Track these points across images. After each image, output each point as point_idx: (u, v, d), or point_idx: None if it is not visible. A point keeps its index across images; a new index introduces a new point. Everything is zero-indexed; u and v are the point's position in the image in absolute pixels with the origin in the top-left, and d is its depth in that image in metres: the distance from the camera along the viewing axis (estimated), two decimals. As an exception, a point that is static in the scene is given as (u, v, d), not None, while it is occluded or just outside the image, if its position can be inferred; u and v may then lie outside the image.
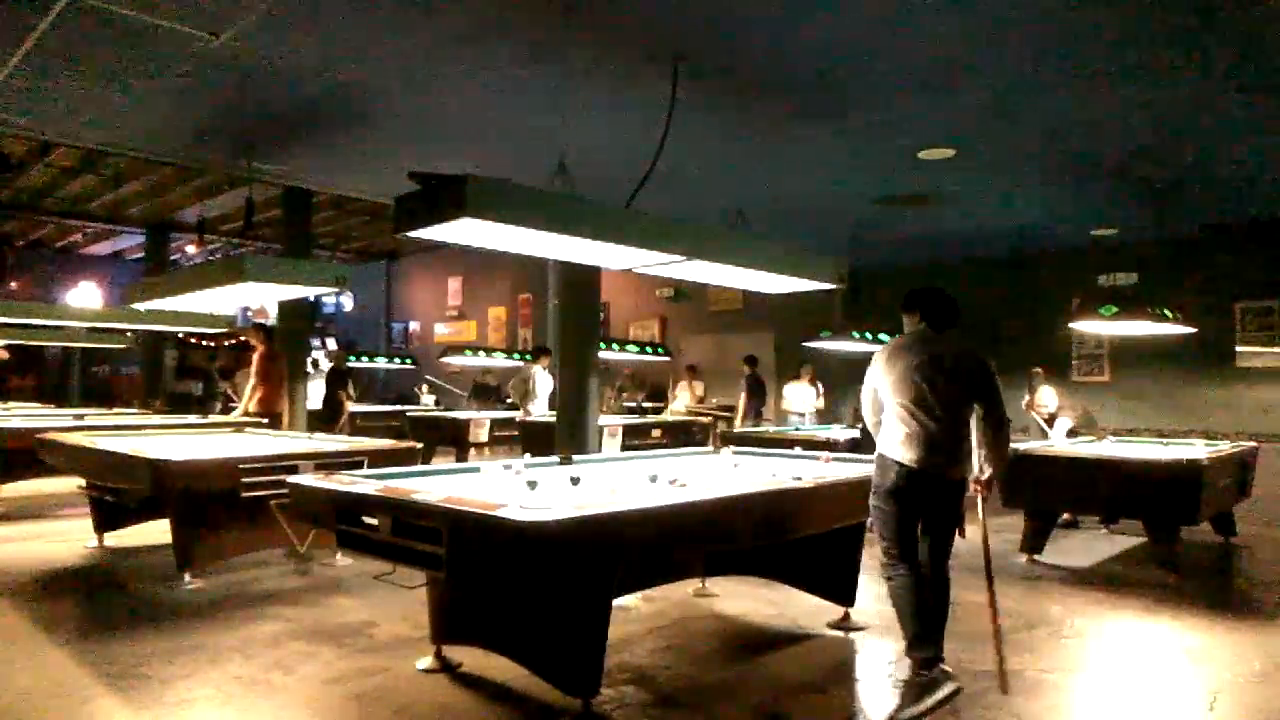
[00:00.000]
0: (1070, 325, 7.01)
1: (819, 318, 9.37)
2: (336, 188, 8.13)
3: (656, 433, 9.44)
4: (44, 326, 10.57)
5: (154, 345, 13.54)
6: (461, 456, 9.31)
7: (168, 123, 5.73)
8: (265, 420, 7.49)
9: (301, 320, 10.00)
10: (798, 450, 5.04)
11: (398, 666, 3.53)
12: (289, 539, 4.87)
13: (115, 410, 10.46)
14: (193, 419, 8.16)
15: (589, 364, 7.70)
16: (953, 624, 4.25)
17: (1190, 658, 3.88)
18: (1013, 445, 6.16)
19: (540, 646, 3.12)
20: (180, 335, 16.14)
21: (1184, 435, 7.66)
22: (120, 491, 5.08)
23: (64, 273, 17.49)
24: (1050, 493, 5.79)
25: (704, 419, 10.52)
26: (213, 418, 8.56)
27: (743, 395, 10.68)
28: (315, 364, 13.12)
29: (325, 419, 10.57)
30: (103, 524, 5.62)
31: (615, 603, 3.14)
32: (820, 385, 10.19)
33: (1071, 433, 7.17)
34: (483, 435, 9.79)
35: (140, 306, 7.21)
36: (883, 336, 8.10)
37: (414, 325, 17.52)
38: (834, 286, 4.87)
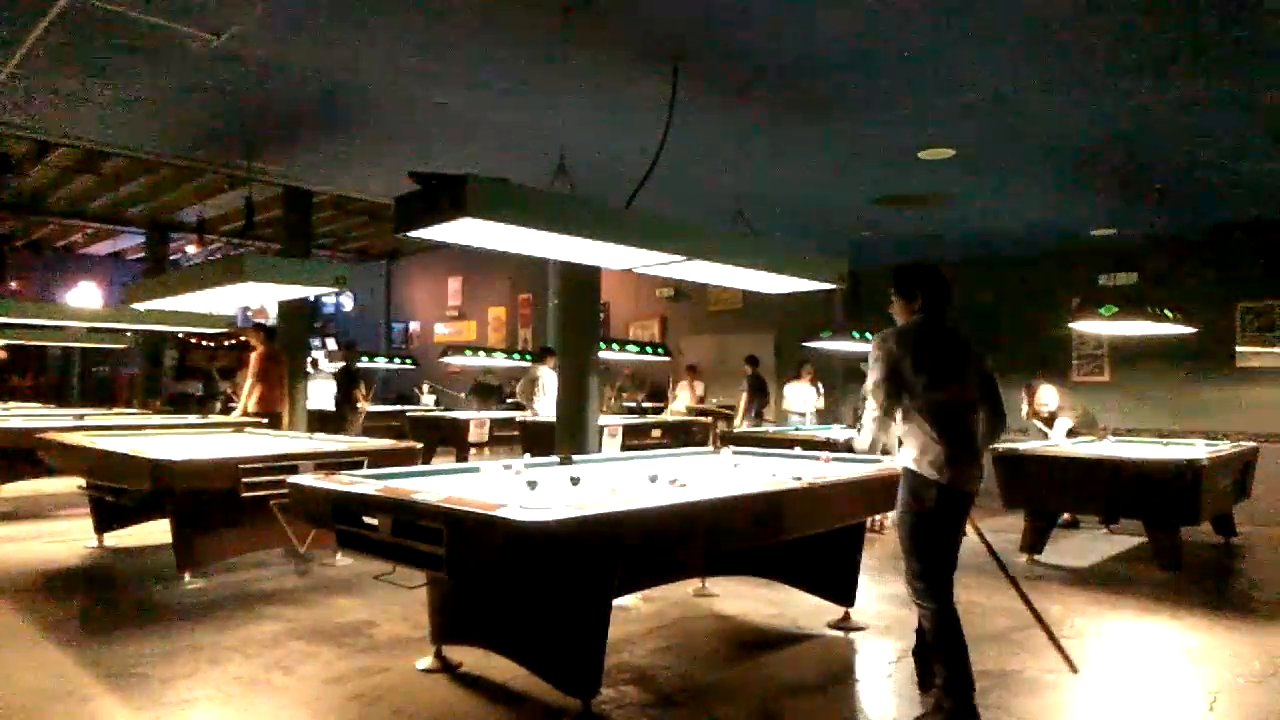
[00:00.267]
0: (1070, 325, 7.02)
1: (819, 318, 9.38)
2: (336, 188, 8.13)
3: (656, 433, 9.43)
4: (44, 326, 10.58)
5: (154, 345, 13.55)
6: (461, 456, 9.31)
7: (168, 123, 5.73)
8: (265, 420, 7.49)
9: (301, 320, 10.00)
10: (798, 450, 5.04)
11: (398, 666, 3.53)
12: (289, 539, 4.87)
13: (115, 410, 10.46)
14: (193, 419, 8.16)
15: (589, 364, 7.70)
16: (953, 624, 4.27)
17: (1190, 658, 3.88)
18: (1012, 445, 6.19)
19: (540, 646, 3.12)
20: (180, 335, 16.14)
21: (1184, 435, 7.66)
22: (120, 491, 5.08)
23: (64, 273, 17.50)
24: (1050, 493, 5.79)
25: (704, 419, 10.52)
26: (213, 418, 8.57)
27: (743, 395, 10.69)
28: (315, 364, 13.13)
29: (338, 420, 10.57)
30: (103, 524, 5.62)
31: (615, 603, 3.14)
32: (820, 385, 10.18)
33: (1071, 433, 7.17)
34: (483, 435, 9.80)
35: (140, 306, 7.23)
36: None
37: (414, 325, 17.52)
38: (834, 286, 4.87)
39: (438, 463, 8.33)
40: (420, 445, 5.59)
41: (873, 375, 3.14)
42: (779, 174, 6.68)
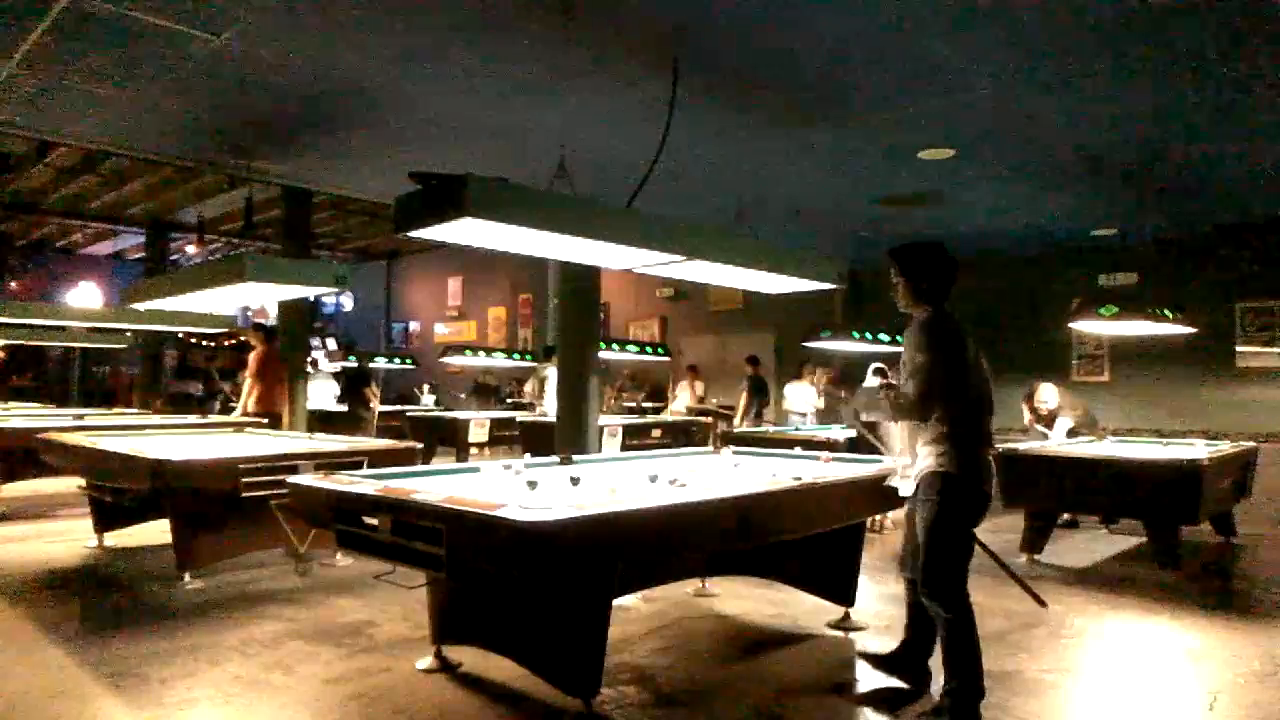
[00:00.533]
0: (1070, 325, 7.02)
1: (819, 318, 9.38)
2: (336, 188, 8.13)
3: (656, 433, 9.44)
4: (44, 326, 10.58)
5: (154, 345, 13.55)
6: (461, 457, 9.31)
7: (168, 123, 5.73)
8: (265, 420, 7.49)
9: (301, 320, 10.00)
10: (798, 450, 5.04)
11: (398, 666, 3.53)
12: (289, 539, 4.87)
13: (115, 410, 10.47)
14: (193, 419, 8.16)
15: (589, 364, 7.70)
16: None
17: (1190, 658, 3.88)
18: (1012, 445, 6.19)
19: (540, 646, 3.12)
20: (180, 335, 16.14)
21: (1184, 435, 7.66)
22: (120, 491, 5.07)
23: (64, 273, 17.50)
24: (1050, 493, 5.79)
25: (704, 419, 10.52)
26: (213, 418, 8.57)
27: (744, 395, 10.69)
28: (315, 364, 13.13)
29: (352, 420, 10.57)
30: (103, 524, 5.62)
31: (615, 603, 3.13)
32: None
33: (1072, 432, 7.16)
34: (483, 435, 9.80)
35: (140, 306, 7.22)
36: (883, 336, 8.10)
37: (414, 325, 17.52)
38: (834, 286, 4.87)
39: (438, 463, 8.33)
40: (420, 445, 5.59)
41: (928, 362, 2.96)
42: (779, 174, 6.68)
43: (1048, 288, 9.55)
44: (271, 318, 12.28)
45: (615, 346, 9.62)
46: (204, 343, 17.52)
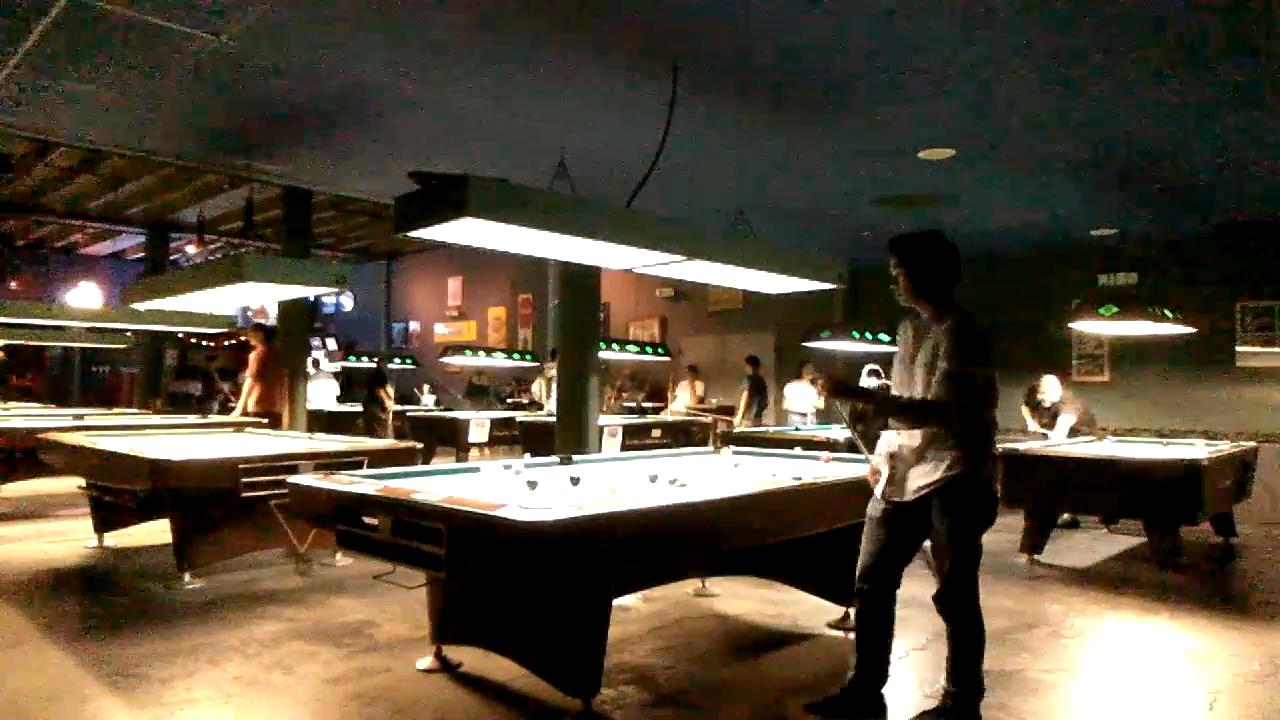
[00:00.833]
0: (1070, 325, 7.01)
1: (819, 318, 9.37)
2: (336, 188, 8.13)
3: (656, 433, 9.44)
4: (44, 326, 10.58)
5: (154, 345, 13.55)
6: (461, 457, 9.31)
7: (168, 123, 5.73)
8: (265, 420, 7.49)
9: (301, 320, 10.00)
10: (798, 450, 5.04)
11: (398, 666, 3.53)
12: (289, 539, 4.87)
13: (115, 410, 10.46)
14: (193, 419, 8.16)
15: (589, 364, 7.70)
16: (953, 624, 4.27)
17: (1190, 658, 3.88)
18: (1013, 445, 6.19)
19: (540, 646, 3.12)
20: (180, 335, 16.14)
21: (1184, 435, 7.66)
22: (120, 491, 5.07)
23: (64, 273, 17.50)
24: (1050, 493, 5.79)
25: (704, 419, 10.52)
26: (213, 417, 8.57)
27: (744, 395, 10.69)
28: (316, 364, 13.14)
29: (367, 420, 10.56)
30: (103, 524, 5.62)
31: (615, 603, 3.14)
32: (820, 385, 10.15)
33: (1073, 432, 7.16)
34: (483, 435, 9.80)
35: (140, 306, 7.23)
36: (883, 336, 8.09)
37: (414, 325, 17.53)
38: (834, 286, 4.87)
39: (438, 463, 8.32)
40: (420, 445, 5.59)
41: (971, 372, 2.82)
42: (779, 174, 6.68)
43: (1048, 288, 9.55)
44: (271, 318, 12.29)
45: (615, 346, 9.62)
46: (204, 343, 17.52)
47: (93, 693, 3.19)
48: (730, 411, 11.01)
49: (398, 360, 14.20)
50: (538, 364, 12.28)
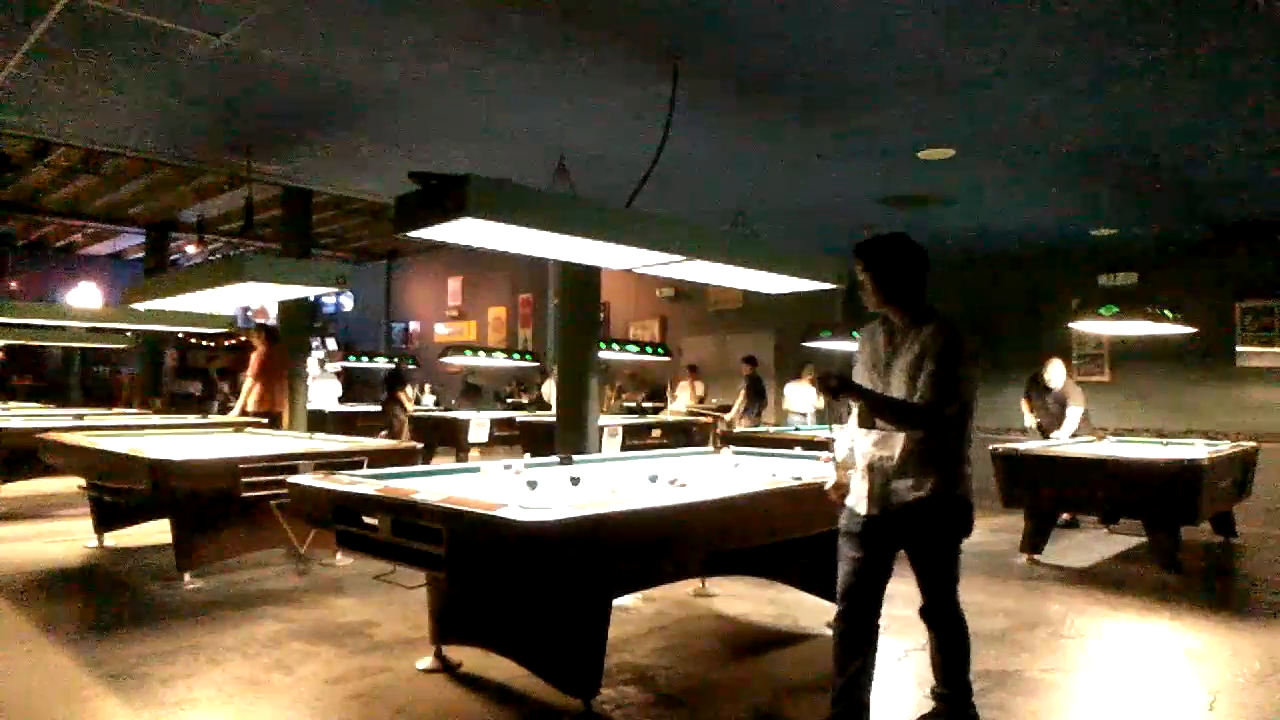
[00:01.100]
0: (1070, 325, 7.01)
1: (819, 318, 9.38)
2: (336, 188, 8.13)
3: (656, 433, 9.44)
4: (44, 326, 10.58)
5: (154, 345, 13.55)
6: (461, 457, 9.32)
7: (168, 123, 5.73)
8: (265, 420, 7.50)
9: (301, 320, 10.00)
10: (798, 450, 5.04)
11: (398, 666, 3.53)
12: (289, 539, 4.87)
13: (115, 410, 10.47)
14: (193, 419, 8.16)
15: (589, 364, 7.71)
16: (953, 624, 4.27)
17: (1190, 658, 3.88)
18: (1013, 445, 6.19)
19: (540, 646, 3.12)
20: (180, 335, 16.15)
21: (1184, 435, 7.66)
22: (120, 491, 5.08)
23: (64, 273, 17.50)
24: (1050, 493, 5.79)
25: (704, 419, 10.52)
26: (213, 417, 8.57)
27: (741, 395, 10.68)
28: (322, 364, 13.15)
29: (385, 420, 10.56)
30: (103, 524, 5.62)
31: (615, 603, 3.14)
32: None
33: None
34: (483, 435, 9.80)
35: (140, 306, 7.22)
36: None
37: (414, 325, 17.52)
38: (834, 286, 4.87)
39: (438, 463, 8.32)
40: (420, 445, 5.60)
41: (963, 375, 2.73)
42: (779, 174, 6.67)
43: (1048, 288, 9.55)
44: (271, 318, 12.29)
45: (615, 346, 9.62)
46: (204, 343, 17.52)
47: (93, 693, 3.19)
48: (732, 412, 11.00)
49: (398, 360, 14.20)
50: (538, 364, 12.28)
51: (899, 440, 2.77)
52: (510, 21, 4.04)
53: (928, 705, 3.20)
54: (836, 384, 2.75)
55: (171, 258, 14.43)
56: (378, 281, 17.92)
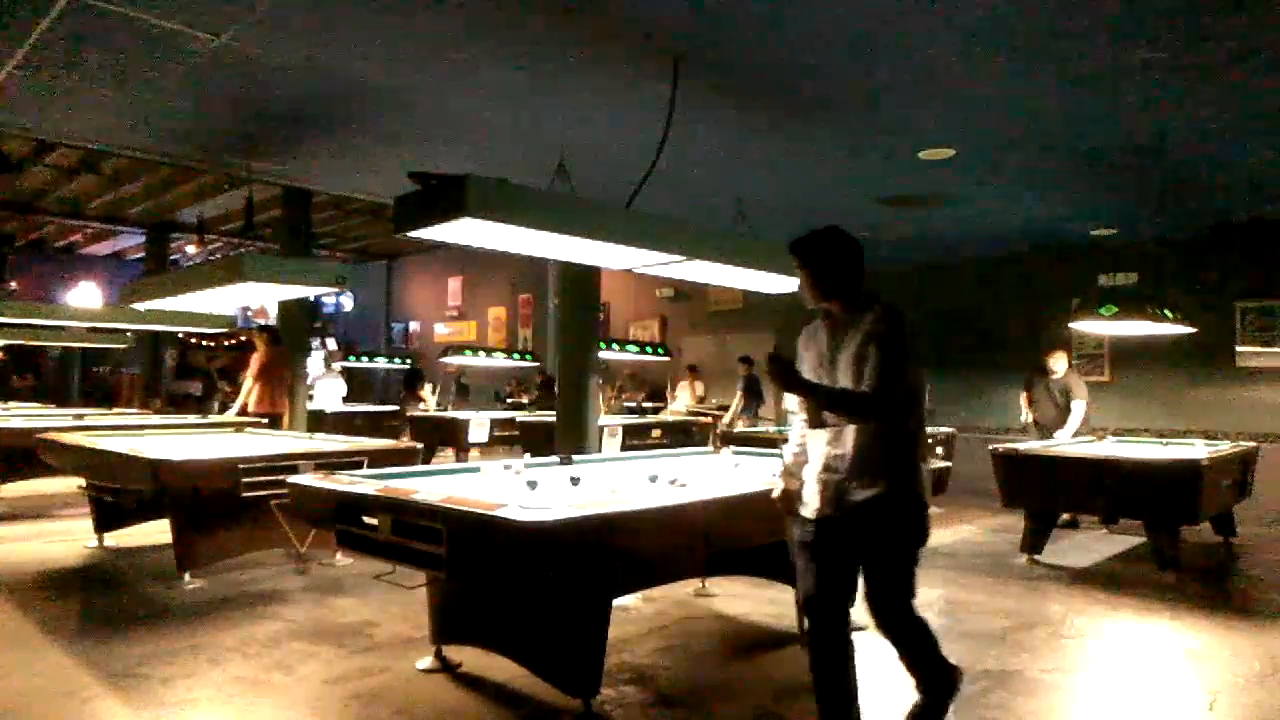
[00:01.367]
0: (1070, 325, 7.01)
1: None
2: (336, 188, 8.13)
3: (656, 433, 9.44)
4: (44, 326, 10.58)
5: (154, 345, 13.55)
6: (461, 457, 9.31)
7: (168, 123, 5.73)
8: (265, 420, 7.50)
9: (301, 320, 10.00)
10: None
11: (398, 666, 3.53)
12: (289, 539, 4.87)
13: (115, 410, 10.46)
14: (193, 419, 8.16)
15: (589, 364, 7.71)
16: (954, 624, 4.28)
17: (1190, 658, 3.88)
18: (1013, 445, 6.19)
19: (540, 647, 3.12)
20: (180, 335, 16.15)
21: (1184, 435, 7.66)
22: (120, 491, 5.08)
23: (64, 273, 17.50)
24: (1050, 493, 5.79)
25: (704, 419, 10.52)
26: (213, 417, 8.57)
27: (738, 395, 10.67)
28: (328, 363, 13.14)
29: (403, 423, 10.55)
30: (103, 524, 5.62)
31: (615, 603, 3.14)
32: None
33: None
34: (483, 435, 9.80)
35: (140, 306, 7.23)
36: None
37: (414, 325, 17.52)
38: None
39: (438, 463, 8.33)
40: (420, 445, 5.60)
41: (903, 360, 2.59)
42: (779, 174, 6.68)
43: (1048, 288, 9.55)
44: (271, 318, 12.29)
45: (615, 346, 9.61)
46: (204, 343, 17.53)
47: (93, 693, 3.19)
48: (725, 413, 11.00)
49: (397, 360, 14.20)
50: (538, 364, 12.28)
51: (850, 436, 2.63)
52: (510, 21, 4.04)
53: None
54: (778, 366, 2.59)
55: (171, 258, 14.43)
56: (378, 281, 17.92)
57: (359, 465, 4.70)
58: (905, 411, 2.64)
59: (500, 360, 11.83)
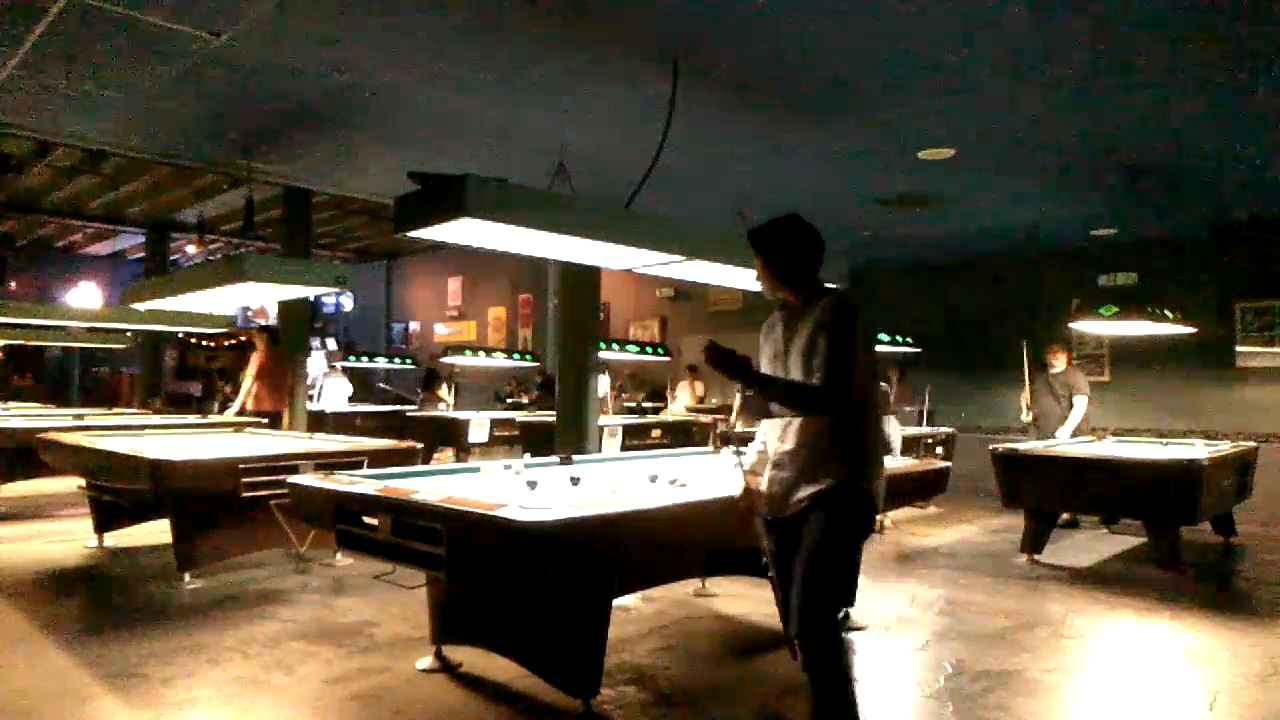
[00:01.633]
0: (1070, 325, 7.01)
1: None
2: (336, 188, 8.13)
3: (656, 433, 9.43)
4: (44, 326, 10.58)
5: (154, 345, 13.54)
6: (461, 457, 9.31)
7: (168, 123, 5.73)
8: (265, 420, 7.50)
9: (301, 320, 10.00)
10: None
11: (398, 666, 3.53)
12: (289, 539, 4.87)
13: (115, 410, 10.46)
14: (193, 419, 8.16)
15: (589, 364, 7.70)
16: (955, 624, 4.28)
17: (1190, 658, 3.88)
18: (1013, 445, 6.19)
19: (540, 647, 3.12)
20: (180, 335, 16.14)
21: (1184, 435, 7.66)
22: (120, 491, 5.07)
23: (64, 273, 17.50)
24: (1050, 493, 5.79)
25: (704, 419, 10.52)
26: (212, 417, 8.57)
27: (738, 395, 10.67)
28: (330, 363, 13.13)
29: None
30: (103, 524, 5.62)
31: (615, 603, 3.14)
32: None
33: (1074, 431, 7.13)
34: (483, 435, 9.80)
35: (140, 306, 7.22)
36: (882, 336, 8.09)
37: (414, 325, 17.52)
38: (834, 286, 4.86)
39: (438, 463, 8.33)
40: (420, 445, 5.59)
41: (853, 347, 2.49)
42: (779, 174, 6.68)
43: (1048, 288, 9.55)
44: (271, 318, 12.29)
45: (615, 346, 9.61)
46: (204, 343, 17.52)
47: (93, 693, 3.19)
48: (730, 411, 10.99)
49: (397, 360, 14.19)
50: (538, 364, 12.28)
51: (796, 430, 2.55)
52: (510, 21, 4.04)
53: (928, 705, 3.20)
54: (715, 353, 2.46)
55: (171, 258, 14.42)
56: (378, 281, 17.91)
57: (359, 465, 4.69)
58: (857, 405, 2.52)
59: (500, 360, 11.82)
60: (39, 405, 11.26)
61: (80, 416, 7.93)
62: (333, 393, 11.55)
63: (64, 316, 10.07)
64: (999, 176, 6.65)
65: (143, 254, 15.03)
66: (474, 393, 13.78)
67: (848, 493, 2.50)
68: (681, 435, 9.62)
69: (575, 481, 3.67)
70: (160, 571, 4.93)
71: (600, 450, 7.68)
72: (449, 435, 9.86)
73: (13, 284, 16.54)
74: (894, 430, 6.45)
